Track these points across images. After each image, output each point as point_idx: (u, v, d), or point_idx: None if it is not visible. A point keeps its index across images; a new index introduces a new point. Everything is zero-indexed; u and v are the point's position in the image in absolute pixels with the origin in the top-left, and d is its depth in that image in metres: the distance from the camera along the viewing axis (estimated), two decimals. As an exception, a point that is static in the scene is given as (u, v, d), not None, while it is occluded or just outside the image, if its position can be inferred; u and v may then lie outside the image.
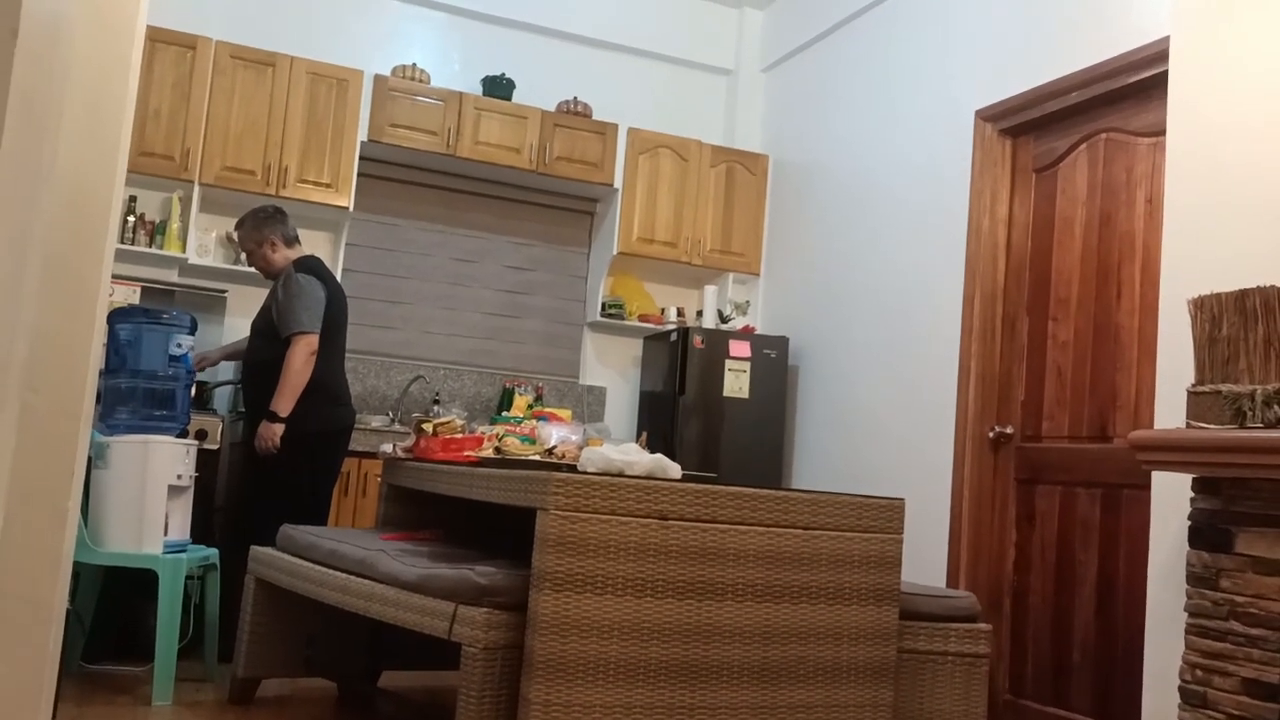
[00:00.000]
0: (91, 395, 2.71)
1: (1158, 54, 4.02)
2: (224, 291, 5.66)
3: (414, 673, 4.51)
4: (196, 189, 5.52)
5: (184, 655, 4.12)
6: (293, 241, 4.83)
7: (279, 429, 4.53)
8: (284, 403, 4.53)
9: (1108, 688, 4.12)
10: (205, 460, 4.75)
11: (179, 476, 4.16)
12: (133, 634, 4.47)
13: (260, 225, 4.80)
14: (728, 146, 6.75)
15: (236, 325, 5.76)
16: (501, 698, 2.87)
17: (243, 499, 4.97)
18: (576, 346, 6.64)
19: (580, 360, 6.63)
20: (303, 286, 4.63)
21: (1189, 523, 3.10)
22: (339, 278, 5.78)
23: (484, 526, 4.14)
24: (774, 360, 6.11)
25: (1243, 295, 3.01)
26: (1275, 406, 2.84)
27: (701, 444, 5.94)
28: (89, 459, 4.01)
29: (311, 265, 4.78)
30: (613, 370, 6.66)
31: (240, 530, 4.75)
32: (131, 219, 5.47)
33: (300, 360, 4.54)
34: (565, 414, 5.23)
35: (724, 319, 6.46)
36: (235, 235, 5.09)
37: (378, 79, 5.89)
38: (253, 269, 5.00)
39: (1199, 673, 3.01)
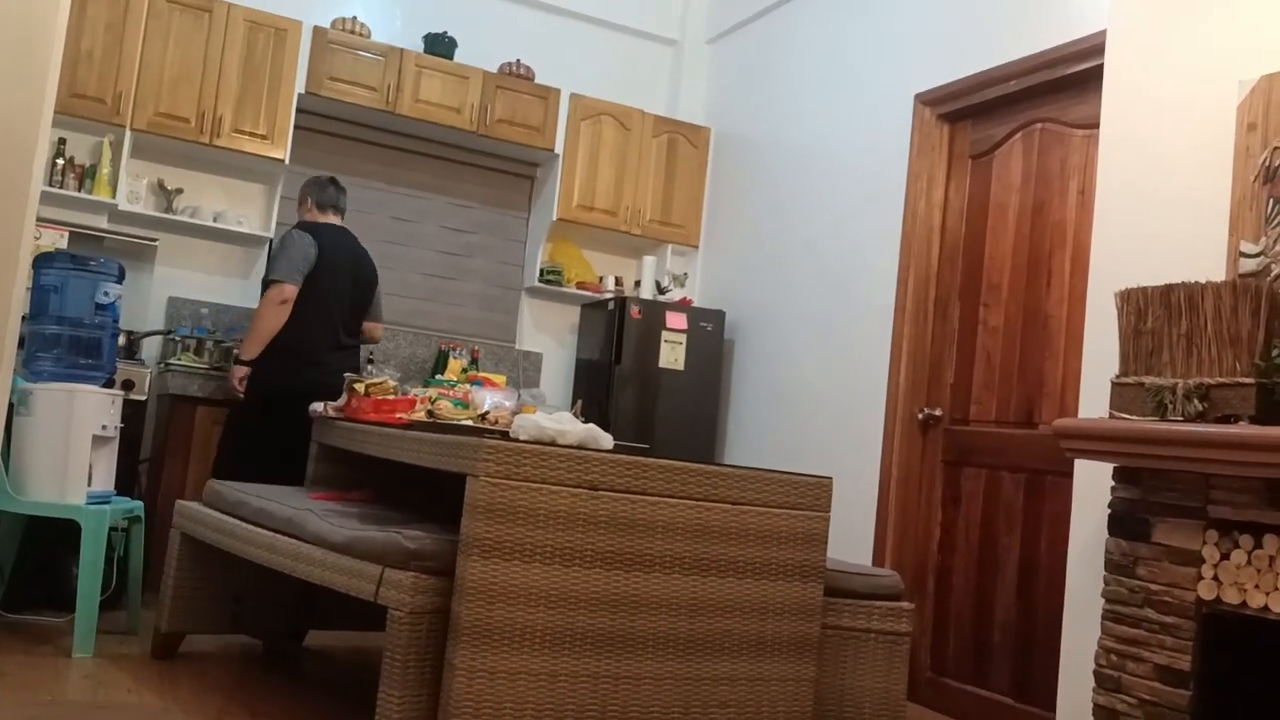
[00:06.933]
0: (13, 340, 2.66)
1: (1095, 47, 4.08)
2: (155, 240, 5.54)
3: (341, 633, 4.49)
4: (128, 134, 5.39)
5: (107, 608, 4.09)
6: (326, 208, 4.97)
7: (240, 370, 4.72)
8: (248, 347, 4.71)
9: (1026, 669, 4.21)
10: (131, 411, 4.68)
11: (104, 427, 4.12)
12: (55, 584, 4.40)
13: (305, 186, 5.03)
14: (670, 117, 6.73)
15: (167, 275, 5.67)
16: (426, 662, 2.86)
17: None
18: (514, 311, 6.61)
19: (517, 325, 6.59)
20: (292, 239, 4.76)
21: (1109, 511, 3.18)
22: (272, 230, 5.72)
23: (416, 487, 4.12)
24: (710, 333, 6.13)
25: (1168, 290, 3.08)
26: (1195, 400, 2.91)
27: (636, 414, 5.95)
28: (11, 405, 3.94)
29: (315, 227, 4.85)
30: (550, 337, 6.64)
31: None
32: (60, 161, 5.33)
33: (267, 306, 4.70)
34: (500, 379, 5.22)
35: (661, 290, 6.46)
36: None
37: (317, 30, 5.79)
38: (186, 218, 5.19)
39: (1114, 658, 3.09)
